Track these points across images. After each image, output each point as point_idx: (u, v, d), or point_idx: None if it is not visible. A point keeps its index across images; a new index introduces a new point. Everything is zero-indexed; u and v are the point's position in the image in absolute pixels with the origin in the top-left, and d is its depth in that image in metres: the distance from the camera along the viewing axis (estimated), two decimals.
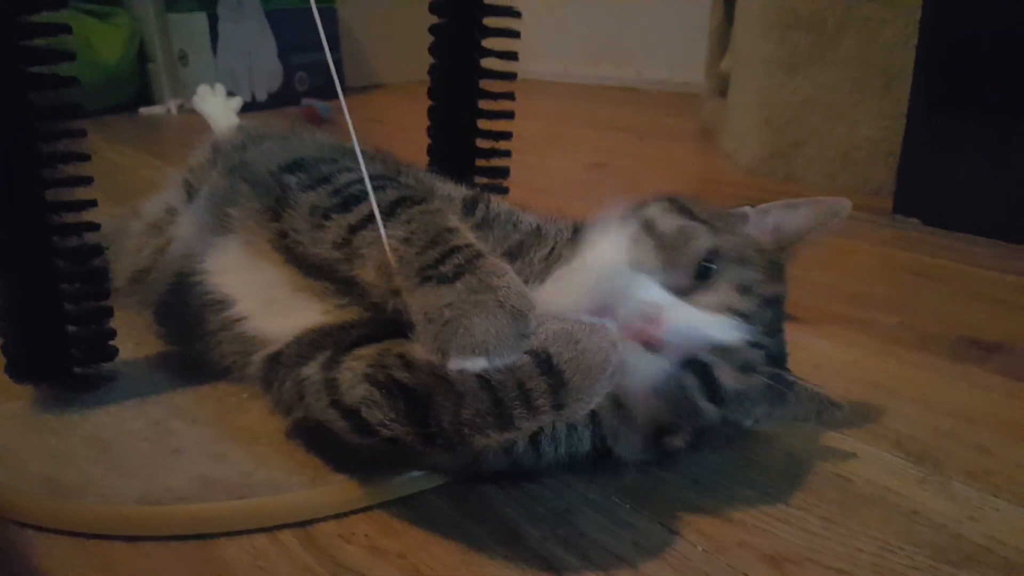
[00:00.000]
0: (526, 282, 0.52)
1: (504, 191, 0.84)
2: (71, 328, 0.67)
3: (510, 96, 0.82)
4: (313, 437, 0.58)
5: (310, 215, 0.57)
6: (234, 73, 2.47)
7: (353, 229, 0.53)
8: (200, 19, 2.43)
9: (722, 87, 1.90)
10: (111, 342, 0.70)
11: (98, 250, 0.66)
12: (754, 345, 0.52)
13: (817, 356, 0.78)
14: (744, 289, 0.53)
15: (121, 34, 2.59)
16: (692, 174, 1.70)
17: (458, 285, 0.46)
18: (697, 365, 0.51)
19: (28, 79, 0.61)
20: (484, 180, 0.84)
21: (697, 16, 2.14)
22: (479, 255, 0.49)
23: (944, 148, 1.17)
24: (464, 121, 0.80)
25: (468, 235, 0.51)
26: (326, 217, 0.55)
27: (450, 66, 0.79)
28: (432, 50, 0.80)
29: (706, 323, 0.50)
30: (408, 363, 0.49)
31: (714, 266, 0.53)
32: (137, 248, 0.80)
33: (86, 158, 0.65)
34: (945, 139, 1.17)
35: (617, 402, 0.52)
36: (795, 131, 1.48)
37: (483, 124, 0.82)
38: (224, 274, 0.65)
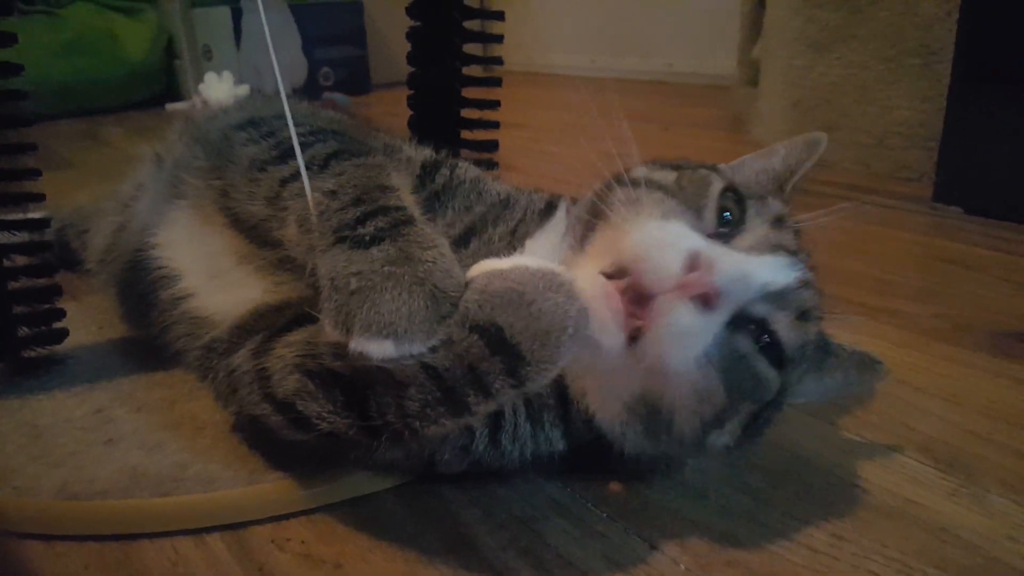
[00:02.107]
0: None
1: (493, 165, 0.78)
2: (16, 308, 0.63)
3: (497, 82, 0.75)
4: (256, 431, 0.52)
5: (249, 169, 0.51)
6: (257, 67, 2.44)
7: (284, 182, 0.47)
8: (223, 13, 2.41)
9: (753, 75, 1.80)
10: (59, 324, 0.65)
11: (42, 223, 0.62)
12: (807, 285, 0.44)
13: None
14: (778, 221, 0.46)
15: (147, 30, 2.58)
16: (718, 161, 1.62)
17: (374, 251, 0.39)
18: (749, 322, 0.42)
19: None
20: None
21: (729, 5, 2.05)
22: (407, 221, 0.42)
23: (989, 131, 1.07)
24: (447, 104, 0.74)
25: (405, 198, 0.45)
26: (262, 170, 0.50)
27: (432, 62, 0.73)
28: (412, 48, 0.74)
29: (758, 265, 0.42)
30: (340, 349, 0.42)
31: (737, 207, 0.45)
32: (105, 228, 0.75)
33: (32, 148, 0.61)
34: (990, 121, 1.06)
35: (643, 400, 0.44)
36: (825, 114, 1.39)
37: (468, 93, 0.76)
38: (173, 246, 0.60)
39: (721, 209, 0.45)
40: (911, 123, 1.27)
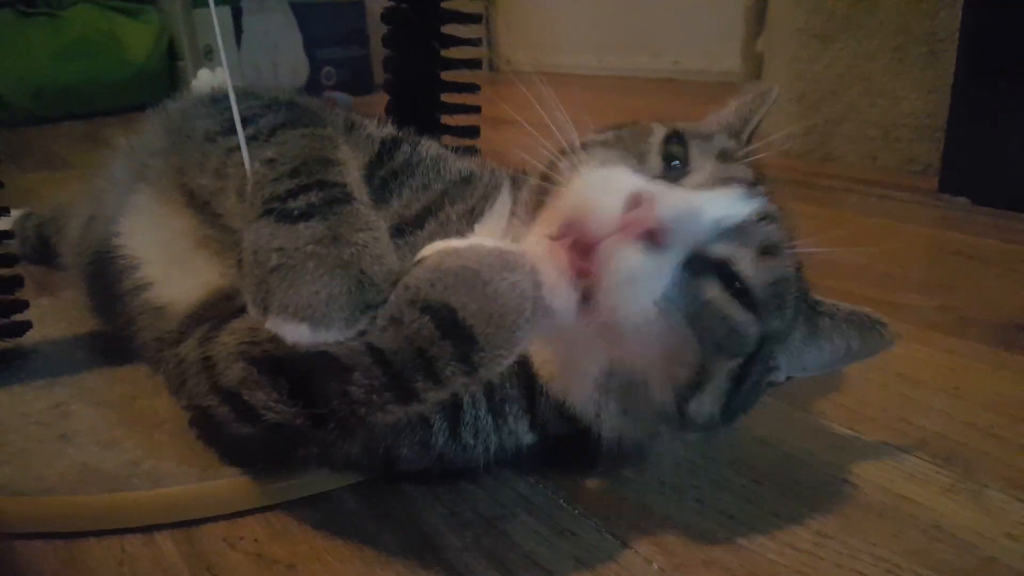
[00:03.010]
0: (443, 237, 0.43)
1: (473, 151, 0.75)
2: None
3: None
4: (208, 425, 0.49)
5: (202, 141, 0.49)
6: (258, 67, 2.43)
7: (230, 151, 0.45)
8: (223, 13, 2.40)
9: (758, 70, 1.77)
10: (21, 316, 0.63)
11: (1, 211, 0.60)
12: (766, 218, 0.40)
13: None
14: (726, 155, 0.43)
15: (150, 31, 2.58)
16: None
17: (301, 227, 0.37)
18: (710, 265, 0.39)
19: None
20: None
21: (737, 2, 2.02)
22: (344, 199, 0.39)
23: (995, 119, 1.03)
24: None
25: (349, 174, 0.42)
26: (212, 140, 0.47)
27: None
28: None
29: (707, 199, 0.38)
30: None
31: (682, 149, 0.43)
32: (77, 221, 0.73)
33: None
34: (996, 110, 1.03)
35: (613, 372, 0.41)
36: (831, 107, 1.35)
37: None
38: (134, 234, 0.57)
39: (666, 154, 0.42)
40: (918, 114, 1.23)
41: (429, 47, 0.69)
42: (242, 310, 0.45)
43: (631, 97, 2.41)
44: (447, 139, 0.74)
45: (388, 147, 0.51)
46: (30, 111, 2.20)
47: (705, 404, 0.42)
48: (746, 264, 0.39)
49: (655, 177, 0.41)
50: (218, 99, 0.55)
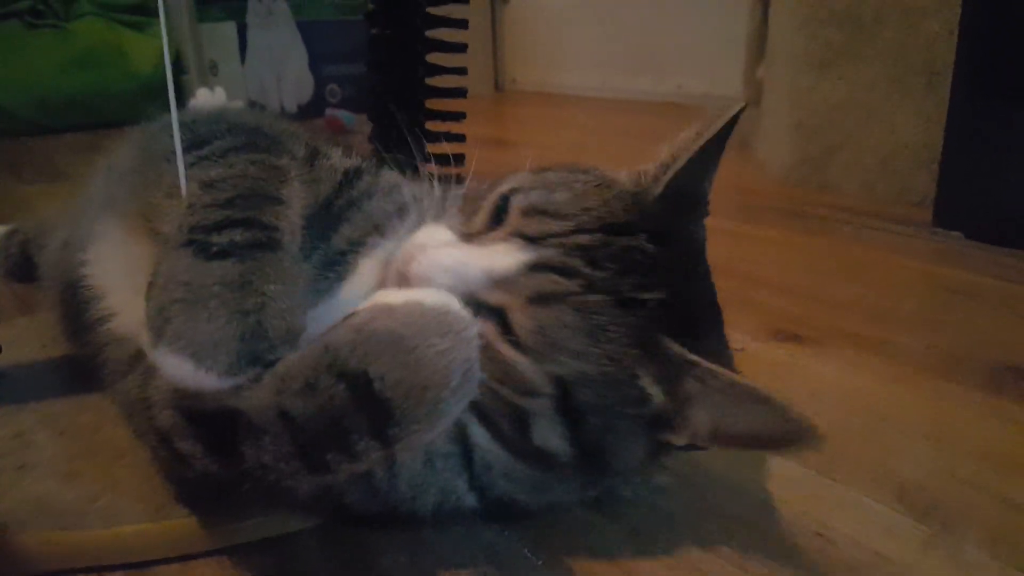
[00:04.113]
0: None
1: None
2: None
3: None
4: (159, 461, 0.48)
5: (160, 160, 0.48)
6: (263, 83, 2.44)
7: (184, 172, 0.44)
8: (229, 28, 2.41)
9: (758, 95, 1.77)
10: None
11: None
12: (546, 268, 0.40)
13: (815, 381, 0.66)
14: (531, 211, 0.42)
15: (156, 45, 2.59)
16: (721, 184, 1.57)
17: (214, 265, 0.36)
18: (489, 310, 0.40)
19: None
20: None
21: (739, 27, 2.02)
22: (269, 245, 0.38)
23: (990, 153, 1.02)
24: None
25: (287, 216, 0.41)
26: (169, 160, 0.46)
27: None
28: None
29: (479, 254, 0.41)
30: None
31: (505, 204, 0.44)
32: (54, 243, 0.73)
33: None
34: (991, 143, 1.02)
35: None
36: (829, 135, 1.34)
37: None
38: (100, 262, 0.56)
39: (496, 209, 0.44)
40: (916, 144, 1.22)
41: (413, 73, 0.69)
42: None
43: (633, 119, 2.41)
44: (431, 167, 0.73)
45: (350, 177, 0.50)
46: (34, 121, 2.22)
47: (548, 438, 0.41)
48: (514, 311, 0.40)
49: (469, 232, 0.44)
50: (193, 121, 0.54)
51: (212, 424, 0.37)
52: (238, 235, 0.37)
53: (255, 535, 0.46)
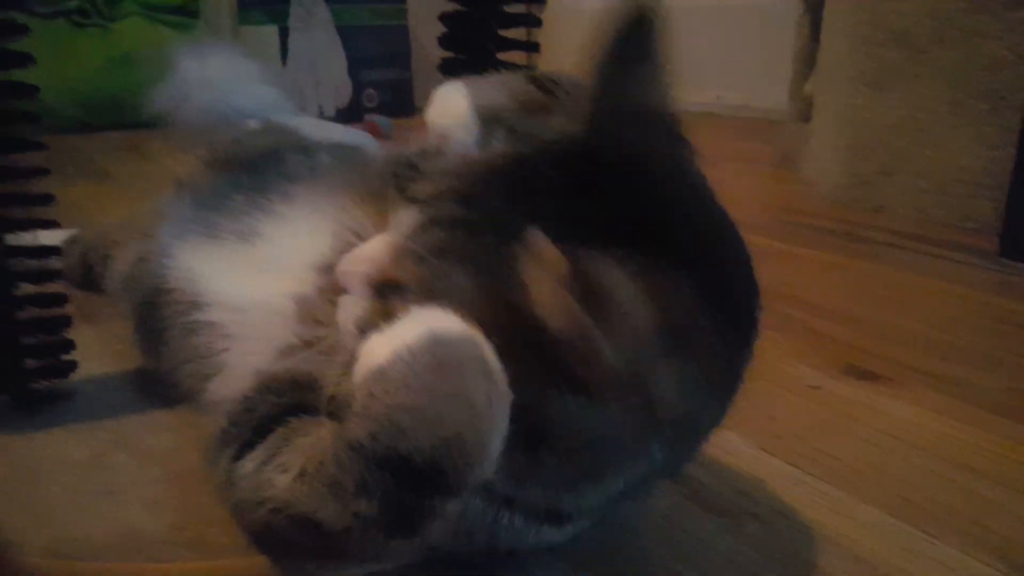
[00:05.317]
0: None
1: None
2: (26, 339, 0.60)
3: None
4: None
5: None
6: (302, 87, 2.45)
7: None
8: (271, 32, 2.43)
9: (806, 112, 1.75)
10: (68, 356, 0.62)
11: (52, 251, 0.59)
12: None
13: (897, 424, 0.64)
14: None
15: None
16: (766, 201, 1.56)
17: None
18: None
19: None
20: None
21: (781, 40, 2.00)
22: None
23: None
24: None
25: None
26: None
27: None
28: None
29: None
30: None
31: None
32: (126, 256, 0.73)
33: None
34: None
35: None
36: (883, 157, 1.32)
37: None
38: (195, 281, 0.57)
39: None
40: (975, 171, 1.20)
41: (485, 49, 0.69)
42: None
43: None
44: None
45: None
46: (77, 119, 2.25)
47: None
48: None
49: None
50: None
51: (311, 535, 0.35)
52: None
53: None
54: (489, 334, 0.33)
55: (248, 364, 0.49)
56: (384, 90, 2.57)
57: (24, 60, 0.55)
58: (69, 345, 0.62)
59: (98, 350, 0.72)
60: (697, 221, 0.40)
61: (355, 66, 2.51)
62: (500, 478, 0.35)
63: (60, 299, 0.61)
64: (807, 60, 1.77)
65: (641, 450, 0.38)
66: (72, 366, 0.63)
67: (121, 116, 2.30)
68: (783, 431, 0.63)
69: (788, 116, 1.85)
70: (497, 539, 0.42)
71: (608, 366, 0.33)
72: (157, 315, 0.60)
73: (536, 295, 0.34)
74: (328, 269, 0.46)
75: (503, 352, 0.33)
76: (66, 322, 0.62)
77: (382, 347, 0.33)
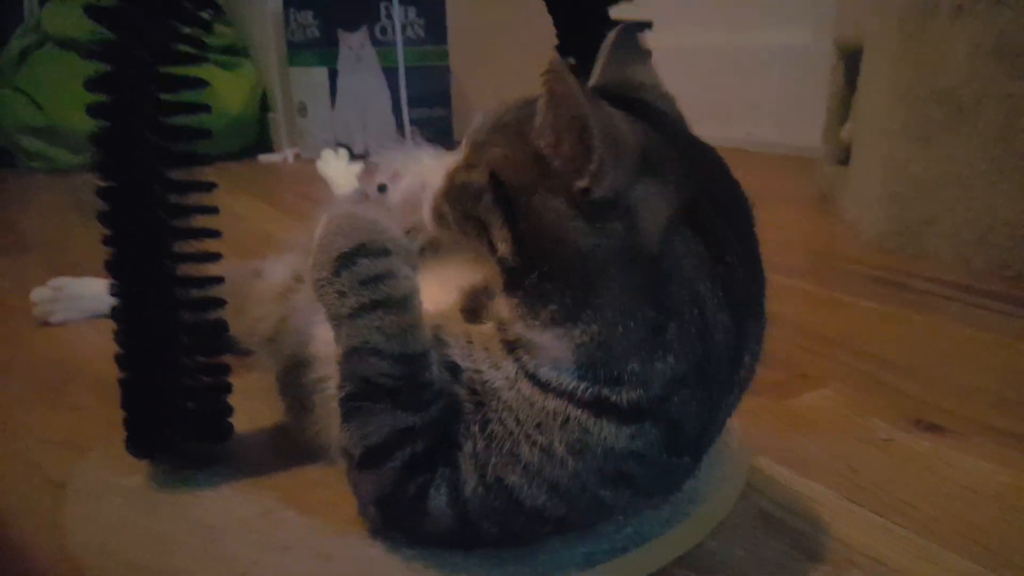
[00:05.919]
0: None
1: None
2: (189, 404, 0.67)
3: None
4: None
5: None
6: (348, 125, 2.55)
7: None
8: (321, 73, 2.53)
9: (842, 155, 1.82)
10: (228, 419, 0.69)
11: (221, 326, 0.66)
12: None
13: (968, 476, 0.70)
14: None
15: (245, 84, 2.72)
16: (806, 242, 1.62)
17: None
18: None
19: (163, 129, 0.60)
20: None
21: (812, 78, 2.07)
22: None
23: None
24: None
25: None
26: None
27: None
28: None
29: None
30: None
31: None
32: (261, 315, 0.79)
33: (214, 211, 0.65)
34: None
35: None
36: (926, 207, 1.39)
37: None
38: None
39: None
40: (1014, 223, 1.26)
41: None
42: None
43: None
44: None
45: None
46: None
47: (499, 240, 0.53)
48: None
49: None
50: None
51: None
52: None
53: None
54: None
55: None
56: (425, 127, 2.66)
57: (201, 84, 0.62)
58: (228, 410, 0.69)
59: (242, 405, 0.73)
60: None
61: (399, 105, 2.61)
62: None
63: (223, 369, 0.68)
64: (842, 105, 1.85)
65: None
66: (230, 430, 0.69)
67: None
68: (865, 482, 0.69)
69: (823, 158, 1.92)
70: None
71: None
72: (300, 382, 0.67)
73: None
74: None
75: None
76: (227, 388, 0.69)
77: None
